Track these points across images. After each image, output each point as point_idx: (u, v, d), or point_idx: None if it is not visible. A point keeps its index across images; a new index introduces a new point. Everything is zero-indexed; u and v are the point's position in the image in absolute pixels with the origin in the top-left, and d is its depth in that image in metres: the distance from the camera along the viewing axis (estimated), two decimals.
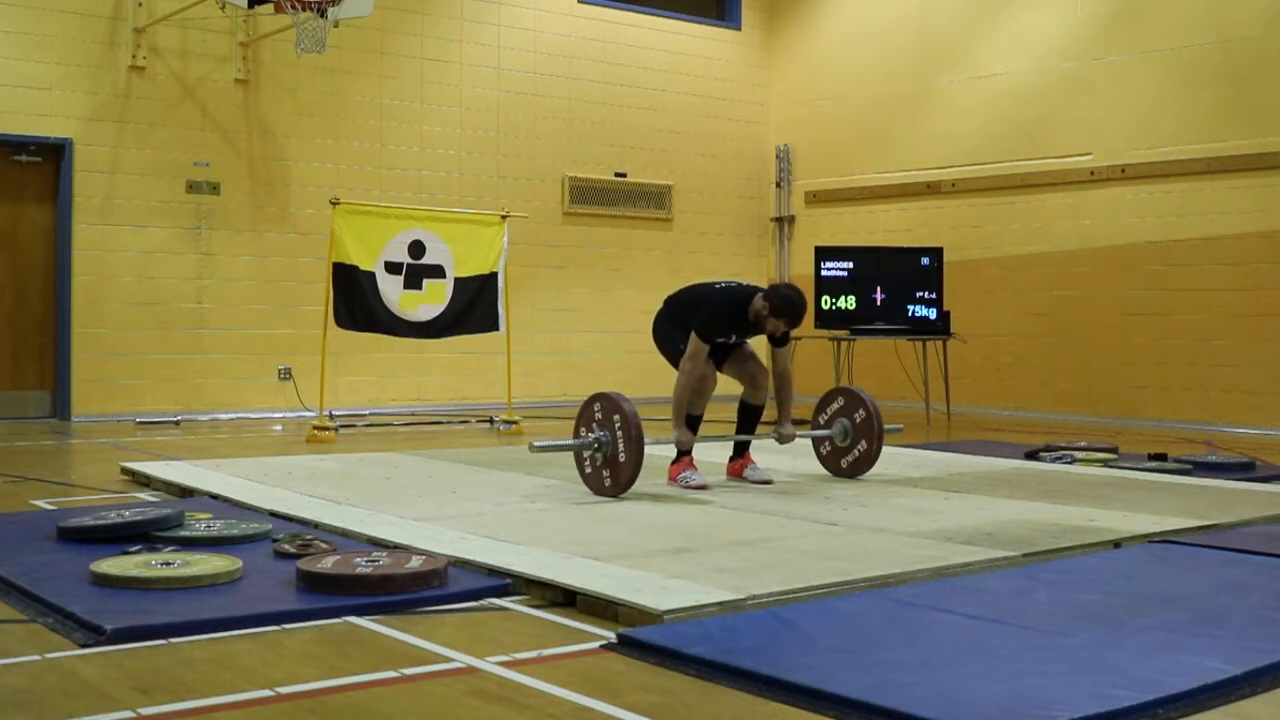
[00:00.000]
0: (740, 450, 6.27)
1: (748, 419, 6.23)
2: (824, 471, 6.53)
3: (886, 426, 6.35)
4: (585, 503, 5.42)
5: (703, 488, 5.81)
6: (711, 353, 5.97)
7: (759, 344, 6.32)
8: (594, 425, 5.64)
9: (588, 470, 5.69)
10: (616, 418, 5.53)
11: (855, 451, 6.37)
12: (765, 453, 6.65)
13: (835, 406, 6.48)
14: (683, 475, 5.90)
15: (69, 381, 9.62)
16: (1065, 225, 10.84)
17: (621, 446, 5.49)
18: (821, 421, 6.51)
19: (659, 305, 6.34)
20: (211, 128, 10.16)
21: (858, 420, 6.35)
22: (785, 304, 5.83)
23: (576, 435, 5.72)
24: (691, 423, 5.97)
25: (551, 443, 5.88)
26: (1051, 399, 10.88)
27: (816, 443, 6.56)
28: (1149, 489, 6.00)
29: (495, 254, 9.26)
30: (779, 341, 6.06)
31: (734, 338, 6.05)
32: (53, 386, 9.72)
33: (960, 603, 3.60)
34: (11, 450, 7.77)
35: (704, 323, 5.86)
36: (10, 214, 9.62)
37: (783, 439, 6.14)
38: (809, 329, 11.06)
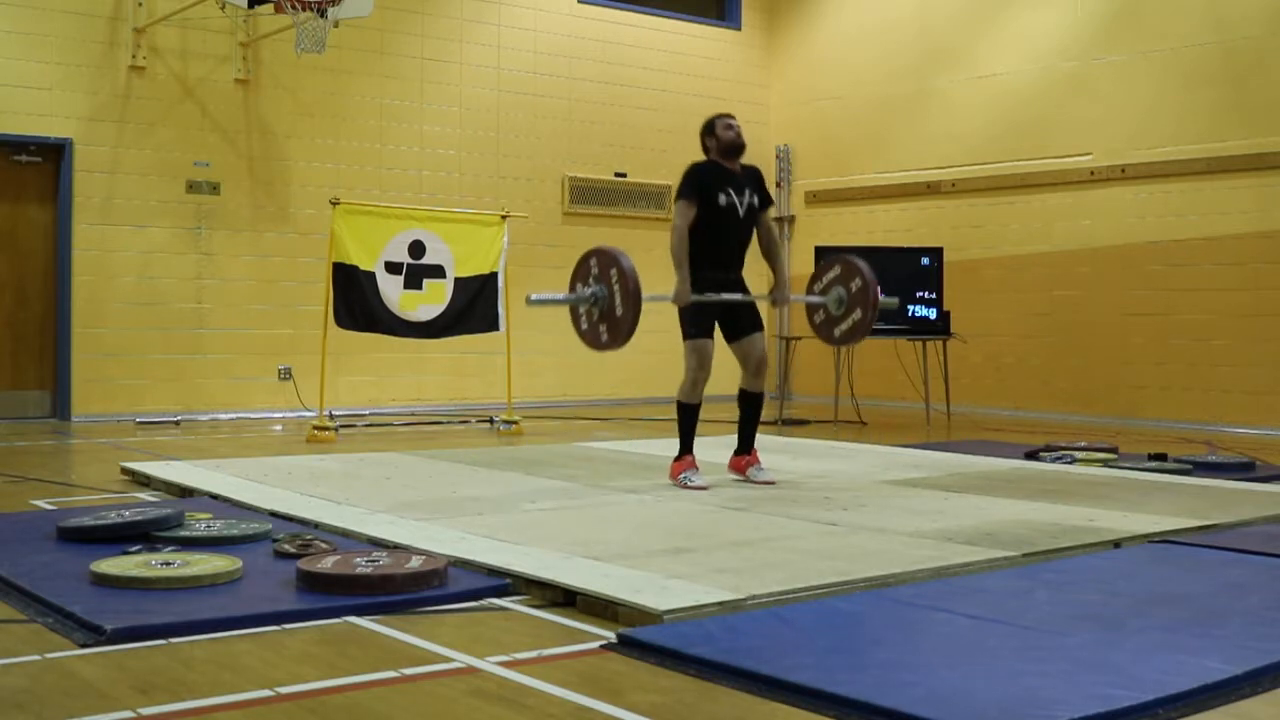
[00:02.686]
0: (745, 446, 6.21)
1: (749, 409, 6.17)
2: (825, 472, 6.52)
3: (882, 298, 6.26)
4: (585, 503, 5.42)
5: (703, 489, 5.79)
6: (732, 327, 6.00)
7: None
8: (590, 280, 5.53)
9: (583, 326, 5.60)
10: (614, 272, 5.43)
11: (849, 320, 6.27)
12: (766, 453, 6.63)
13: (831, 275, 6.36)
14: (683, 475, 5.90)
15: (69, 381, 9.62)
16: (1065, 225, 10.84)
17: (619, 301, 5.40)
18: (817, 290, 6.41)
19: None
20: (211, 128, 10.16)
21: (853, 289, 6.24)
22: (706, 123, 6.16)
23: (572, 289, 5.64)
24: (689, 415, 5.98)
25: (548, 296, 5.80)
26: (1051, 399, 10.88)
27: (810, 311, 6.47)
28: (1149, 489, 6.00)
29: (495, 254, 9.26)
30: (737, 145, 6.05)
31: (731, 194, 5.97)
32: (53, 386, 9.72)
33: (960, 603, 3.60)
34: (11, 450, 7.77)
35: (682, 181, 5.98)
36: (10, 214, 9.62)
37: (777, 303, 6.27)
38: (809, 329, 11.06)
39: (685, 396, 6.02)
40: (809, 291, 6.49)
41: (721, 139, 6.09)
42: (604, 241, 12.08)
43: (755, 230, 6.15)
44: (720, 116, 6.17)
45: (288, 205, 10.48)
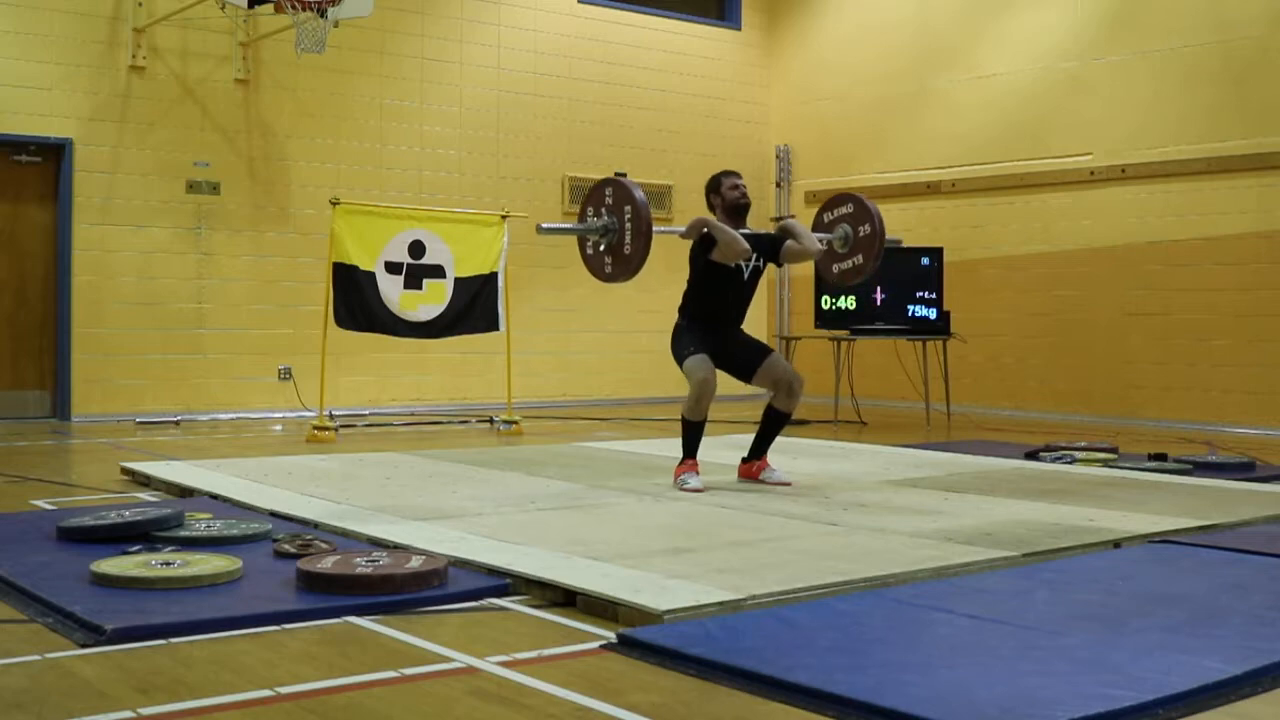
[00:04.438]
0: (757, 452, 6.14)
1: (774, 425, 6.08)
2: (825, 472, 6.51)
3: (889, 237, 6.22)
4: (585, 503, 5.42)
5: (699, 490, 5.73)
6: (738, 365, 5.93)
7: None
8: (603, 211, 5.50)
9: (589, 252, 5.58)
10: (628, 208, 5.40)
11: (850, 263, 6.26)
12: (771, 454, 6.62)
13: (843, 211, 6.32)
14: (682, 477, 5.85)
15: (69, 381, 9.62)
16: (1065, 225, 10.84)
17: (629, 238, 5.37)
18: (826, 220, 6.38)
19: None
20: (211, 128, 10.16)
21: (861, 234, 6.21)
22: (711, 180, 6.06)
23: (583, 217, 5.61)
24: (693, 430, 5.90)
25: (559, 226, 5.77)
26: (1051, 399, 10.88)
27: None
28: (1149, 489, 6.00)
29: (495, 254, 9.26)
30: (741, 206, 5.99)
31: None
32: (53, 386, 9.72)
33: (960, 603, 3.60)
34: (11, 450, 7.77)
35: (697, 239, 5.82)
36: (10, 214, 9.62)
37: (783, 228, 6.16)
38: (809, 329, 11.09)
39: (690, 413, 5.86)
40: (818, 217, 6.45)
41: (726, 199, 6.00)
42: None
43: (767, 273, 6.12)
44: (726, 175, 6.06)
45: (288, 205, 10.48)
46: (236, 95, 10.28)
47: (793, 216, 6.20)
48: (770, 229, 6.16)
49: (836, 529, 4.78)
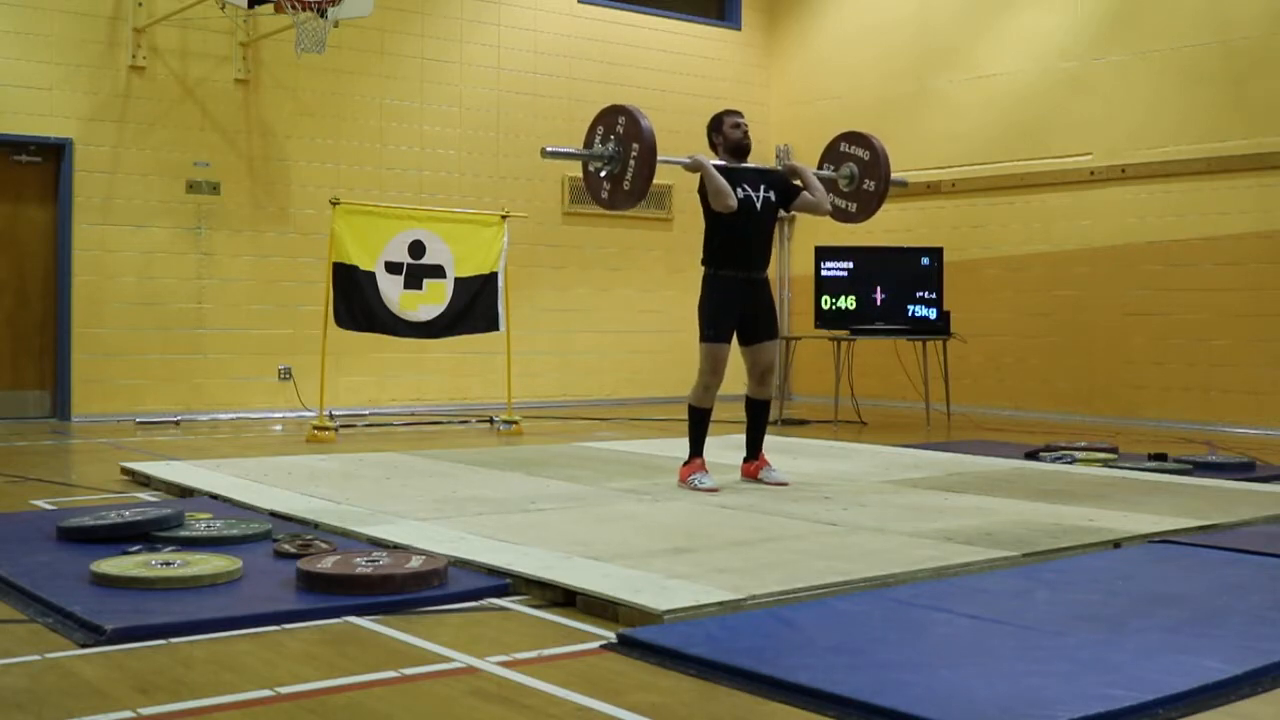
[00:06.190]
0: (753, 452, 6.19)
1: (757, 416, 6.16)
2: (825, 472, 6.51)
3: (895, 178, 6.29)
4: (586, 503, 5.42)
5: (714, 490, 5.75)
6: (746, 330, 5.97)
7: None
8: (610, 139, 5.53)
9: (590, 169, 5.63)
10: (635, 146, 5.43)
11: (847, 205, 6.36)
12: (767, 452, 6.61)
13: (858, 153, 6.39)
14: (693, 477, 5.86)
15: (69, 381, 9.62)
16: (1065, 225, 10.84)
17: (630, 173, 5.41)
18: (841, 149, 6.46)
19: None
20: (211, 128, 10.16)
21: (865, 186, 6.30)
22: (713, 119, 6.15)
23: (589, 141, 5.62)
24: (699, 419, 5.96)
25: (565, 150, 5.80)
26: (1051, 399, 10.88)
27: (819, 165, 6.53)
28: (1149, 489, 6.00)
29: (495, 254, 9.26)
30: (744, 146, 6.07)
31: (746, 188, 5.95)
32: (53, 386, 9.72)
33: (960, 603, 3.60)
34: (11, 450, 7.77)
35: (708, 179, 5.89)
36: (10, 214, 9.62)
37: (789, 170, 6.25)
38: (809, 329, 11.09)
39: (696, 400, 5.99)
40: (834, 143, 6.51)
41: (729, 138, 6.08)
42: (603, 242, 12.16)
43: (783, 219, 6.18)
44: (728, 114, 6.15)
45: (288, 205, 10.48)
46: (236, 95, 10.28)
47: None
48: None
49: (836, 529, 4.78)
